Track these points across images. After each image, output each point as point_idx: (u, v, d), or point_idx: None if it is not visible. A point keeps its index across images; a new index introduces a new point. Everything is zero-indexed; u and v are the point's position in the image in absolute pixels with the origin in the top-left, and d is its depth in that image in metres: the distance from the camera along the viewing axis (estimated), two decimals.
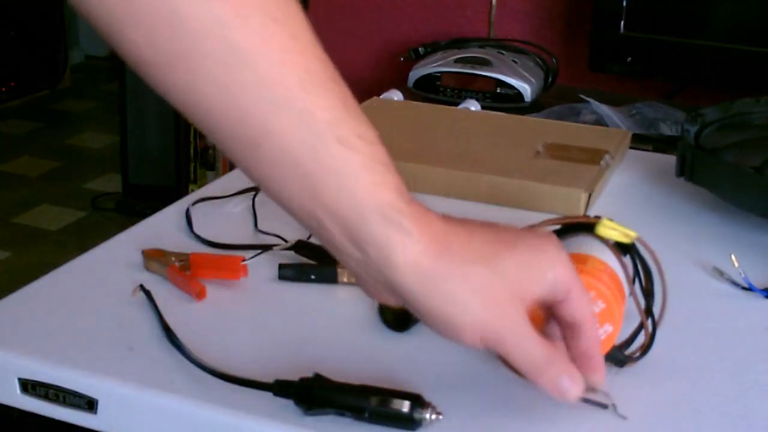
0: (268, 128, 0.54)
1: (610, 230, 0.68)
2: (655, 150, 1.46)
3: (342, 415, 0.59)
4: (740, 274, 0.83)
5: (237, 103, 0.53)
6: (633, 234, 0.68)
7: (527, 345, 0.57)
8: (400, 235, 0.55)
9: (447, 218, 0.58)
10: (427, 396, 0.60)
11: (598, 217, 0.69)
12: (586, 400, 0.63)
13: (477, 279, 0.56)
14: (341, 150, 0.54)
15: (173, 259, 0.79)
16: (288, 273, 0.79)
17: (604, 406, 0.63)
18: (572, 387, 0.58)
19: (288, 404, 0.62)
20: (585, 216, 0.79)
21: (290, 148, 0.54)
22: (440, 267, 0.56)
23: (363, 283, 0.59)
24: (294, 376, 0.62)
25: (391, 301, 0.59)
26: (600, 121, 1.63)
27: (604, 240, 0.70)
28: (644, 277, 0.71)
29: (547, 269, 0.58)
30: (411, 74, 1.89)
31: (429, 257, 0.55)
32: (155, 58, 0.53)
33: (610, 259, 0.68)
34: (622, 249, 0.70)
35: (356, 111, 0.56)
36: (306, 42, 0.56)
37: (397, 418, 0.59)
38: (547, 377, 0.58)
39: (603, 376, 0.61)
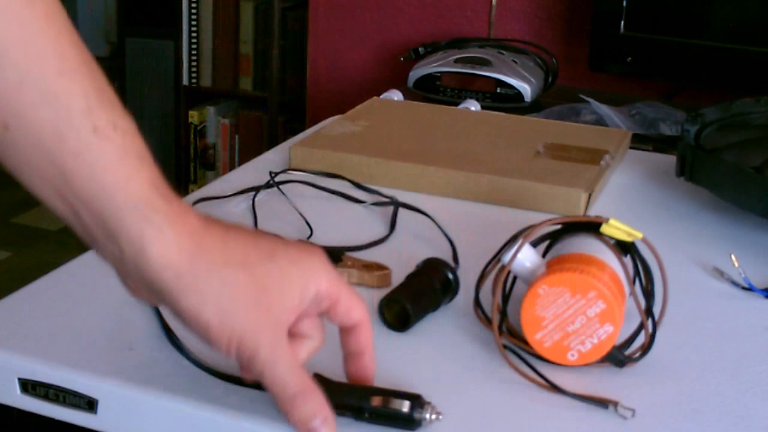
0: (21, 113, 0.52)
1: (615, 229, 0.68)
2: (655, 150, 1.46)
3: (342, 415, 0.59)
4: (740, 274, 0.83)
5: None
6: (638, 234, 0.68)
7: (282, 369, 0.55)
8: (153, 230, 0.53)
9: (207, 218, 0.56)
10: (427, 396, 0.60)
11: (599, 217, 0.69)
12: (586, 400, 0.63)
13: (235, 283, 0.54)
14: (94, 139, 0.52)
15: None
16: None
17: (604, 406, 0.63)
18: (323, 429, 0.56)
19: None
20: (586, 216, 0.79)
21: (43, 134, 0.52)
22: (196, 266, 0.53)
23: (123, 280, 0.56)
24: None
25: (152, 300, 0.57)
26: (600, 121, 1.63)
27: (604, 240, 0.70)
28: (644, 277, 0.71)
29: (310, 283, 0.56)
30: (411, 74, 1.89)
31: (184, 255, 0.53)
32: None
33: (610, 259, 0.68)
34: (623, 249, 0.70)
35: (111, 99, 0.54)
36: (61, 26, 0.53)
37: (397, 418, 0.59)
38: (300, 413, 0.55)
39: (372, 373, 0.61)
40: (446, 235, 0.87)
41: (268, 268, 0.55)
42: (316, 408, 0.56)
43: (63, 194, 0.53)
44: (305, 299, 0.56)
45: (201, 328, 0.54)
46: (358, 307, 0.59)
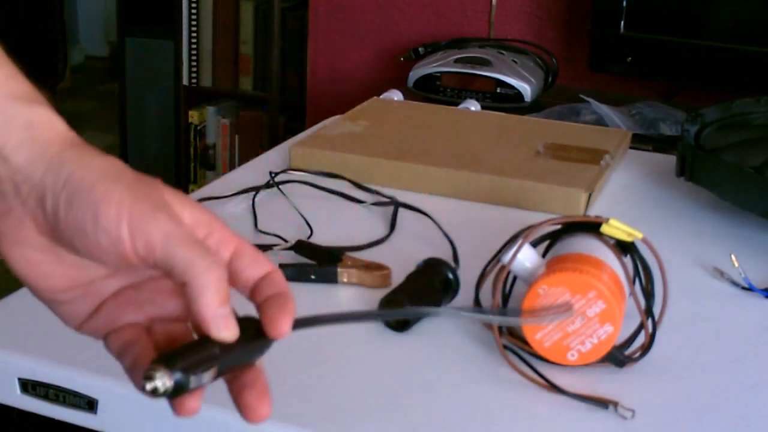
0: None
1: (615, 229, 0.68)
2: (655, 150, 1.46)
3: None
4: (740, 274, 0.83)
5: None
6: (638, 234, 0.68)
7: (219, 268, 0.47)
8: (44, 120, 0.50)
9: None
10: (428, 396, 0.60)
11: (599, 217, 0.69)
12: (586, 400, 0.63)
13: (115, 172, 0.48)
14: None
15: None
16: (288, 273, 0.79)
17: (604, 406, 0.63)
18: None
19: (288, 404, 0.62)
20: (586, 216, 0.79)
21: None
22: (99, 154, 0.49)
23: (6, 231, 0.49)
24: (294, 375, 0.62)
25: (30, 227, 0.49)
26: (600, 121, 1.63)
27: (604, 240, 0.70)
28: (644, 277, 0.71)
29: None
30: (411, 74, 1.89)
31: (77, 141, 0.50)
32: None
33: (610, 259, 0.68)
34: (623, 249, 0.70)
35: None
36: None
37: None
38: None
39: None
40: (446, 235, 0.87)
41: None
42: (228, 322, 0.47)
43: None
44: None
45: (97, 226, 0.47)
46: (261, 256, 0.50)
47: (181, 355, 0.44)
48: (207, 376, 0.45)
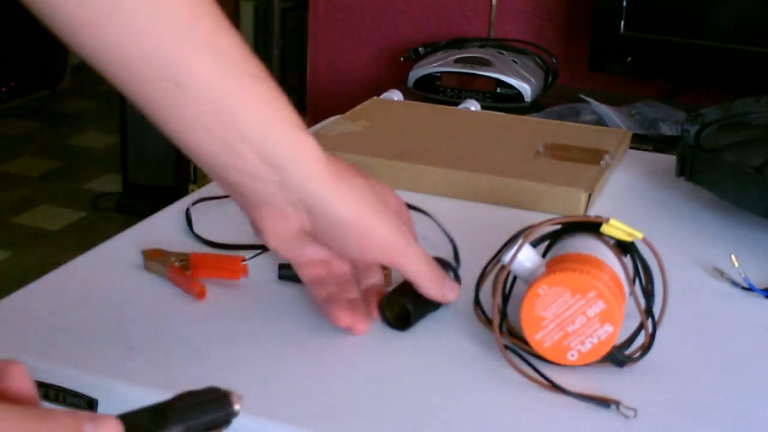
0: (193, 68, 0.61)
1: (615, 229, 0.68)
2: (655, 150, 1.46)
3: None
4: (740, 274, 0.83)
5: (161, 48, 0.61)
6: (638, 234, 0.68)
7: (424, 258, 0.70)
8: (306, 151, 0.66)
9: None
10: (428, 396, 0.60)
11: (599, 217, 0.69)
12: (588, 399, 0.63)
13: (363, 186, 0.68)
14: (254, 82, 0.64)
15: (173, 259, 0.79)
16: (288, 273, 0.79)
17: (606, 406, 0.63)
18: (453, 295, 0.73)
19: (288, 404, 0.62)
20: (586, 216, 0.79)
21: (212, 83, 0.62)
22: (334, 173, 0.66)
23: (264, 223, 0.68)
24: (294, 375, 0.62)
25: (295, 226, 0.67)
26: (600, 121, 1.63)
27: (604, 240, 0.70)
28: (644, 277, 0.71)
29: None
30: (411, 74, 1.89)
31: (326, 167, 0.66)
32: (86, 16, 0.59)
33: (610, 259, 0.68)
34: (623, 249, 0.70)
35: (252, 55, 0.65)
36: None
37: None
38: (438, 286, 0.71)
39: None
40: (447, 234, 0.87)
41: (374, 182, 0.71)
42: (453, 285, 0.73)
43: (229, 134, 0.63)
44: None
45: (361, 232, 0.67)
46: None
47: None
48: None
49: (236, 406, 0.49)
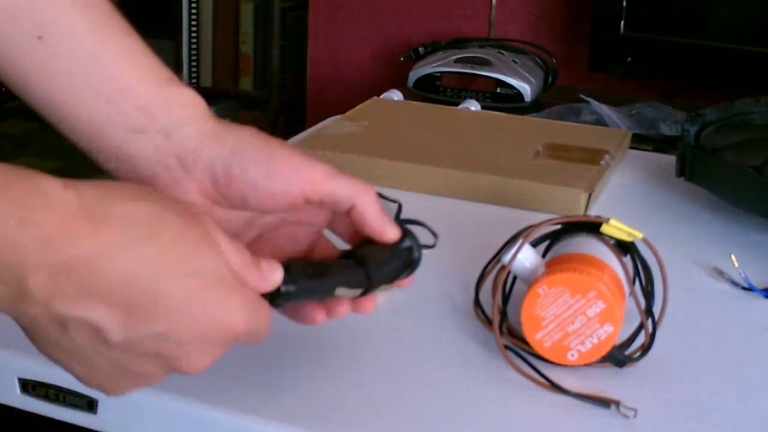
0: (65, 22, 0.60)
1: (615, 229, 0.68)
2: (655, 150, 1.46)
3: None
4: (740, 274, 0.83)
5: (32, 4, 0.60)
6: (638, 234, 0.68)
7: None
8: (190, 94, 0.62)
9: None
10: (428, 396, 0.60)
11: (599, 217, 0.69)
12: (588, 399, 0.63)
13: (263, 137, 0.61)
14: (126, 37, 0.63)
15: None
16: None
17: (606, 406, 0.63)
18: None
19: (288, 404, 0.62)
20: (586, 216, 0.79)
21: (86, 37, 0.61)
22: (229, 125, 0.61)
23: (165, 189, 0.60)
24: (294, 375, 0.62)
25: (192, 190, 0.60)
26: (600, 121, 1.63)
27: (604, 240, 0.70)
28: (644, 277, 0.71)
29: None
30: (411, 74, 1.89)
31: (212, 113, 0.62)
32: None
33: (610, 259, 0.68)
34: (623, 249, 0.70)
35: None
36: None
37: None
38: None
39: None
40: (389, 199, 0.69)
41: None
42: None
43: (102, 90, 0.60)
44: None
45: (256, 155, 0.60)
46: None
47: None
48: None
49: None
